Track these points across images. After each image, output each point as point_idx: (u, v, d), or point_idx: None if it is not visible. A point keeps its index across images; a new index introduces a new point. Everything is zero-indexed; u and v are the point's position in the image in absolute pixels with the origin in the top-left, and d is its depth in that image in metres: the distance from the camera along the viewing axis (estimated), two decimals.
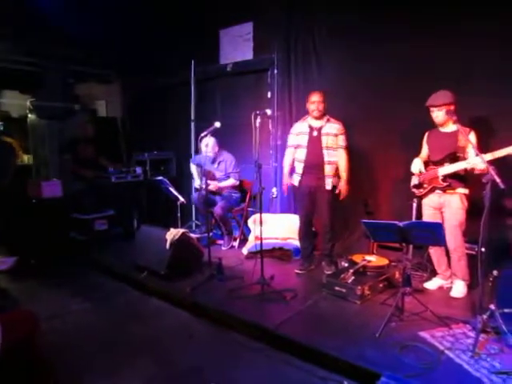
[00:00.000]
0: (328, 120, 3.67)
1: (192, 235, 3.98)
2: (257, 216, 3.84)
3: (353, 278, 3.19)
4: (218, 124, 3.78)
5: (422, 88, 3.27)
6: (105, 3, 5.22)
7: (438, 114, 3.12)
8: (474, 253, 3.16)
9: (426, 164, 3.27)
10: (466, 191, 3.11)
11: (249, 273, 3.54)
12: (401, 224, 2.60)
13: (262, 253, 3.32)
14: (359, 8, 3.99)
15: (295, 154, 3.77)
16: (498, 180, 2.33)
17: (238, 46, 5.17)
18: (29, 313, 2.12)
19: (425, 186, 3.25)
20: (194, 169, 4.98)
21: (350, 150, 3.79)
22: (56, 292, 3.68)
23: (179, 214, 4.99)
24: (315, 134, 3.66)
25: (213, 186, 4.53)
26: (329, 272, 3.63)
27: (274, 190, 4.69)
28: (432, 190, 3.21)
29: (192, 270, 3.76)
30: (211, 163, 4.68)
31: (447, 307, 2.95)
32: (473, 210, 3.02)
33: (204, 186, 4.12)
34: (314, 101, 3.61)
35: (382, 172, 4.14)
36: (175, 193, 4.87)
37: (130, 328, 2.99)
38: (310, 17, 4.44)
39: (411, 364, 2.24)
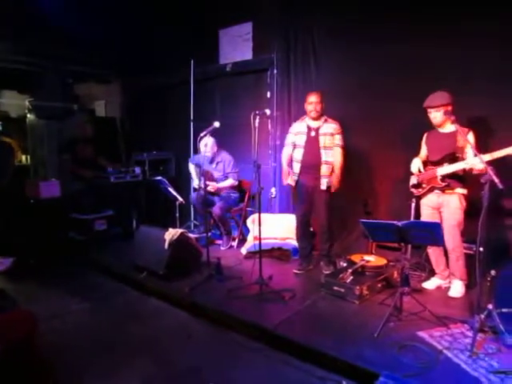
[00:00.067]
0: (326, 120, 3.68)
1: (191, 235, 3.98)
2: (255, 216, 3.83)
3: (351, 277, 3.20)
4: (217, 124, 3.78)
5: (422, 88, 3.27)
6: (105, 3, 5.23)
7: (435, 115, 3.12)
8: (472, 253, 3.17)
9: (425, 164, 3.28)
10: (465, 191, 3.11)
11: (247, 273, 3.55)
12: (399, 224, 2.61)
13: (261, 253, 3.33)
14: (359, 8, 3.99)
15: (293, 153, 3.77)
16: (496, 180, 2.33)
17: (237, 45, 5.17)
18: (28, 313, 2.12)
19: (423, 185, 3.26)
20: (192, 169, 4.96)
21: (350, 150, 3.79)
22: (55, 292, 3.68)
23: (178, 214, 5.00)
24: (313, 134, 3.66)
25: (211, 187, 4.52)
26: (327, 272, 3.63)
27: (273, 189, 4.70)
28: (431, 190, 3.21)
29: (191, 270, 3.76)
30: (209, 163, 4.68)
31: (445, 307, 2.95)
32: (471, 210, 3.03)
33: (203, 186, 4.11)
34: (312, 101, 3.61)
35: (380, 172, 4.14)
36: (174, 193, 4.86)
37: (128, 328, 2.99)
38: (309, 17, 4.44)
39: (409, 364, 2.24)
